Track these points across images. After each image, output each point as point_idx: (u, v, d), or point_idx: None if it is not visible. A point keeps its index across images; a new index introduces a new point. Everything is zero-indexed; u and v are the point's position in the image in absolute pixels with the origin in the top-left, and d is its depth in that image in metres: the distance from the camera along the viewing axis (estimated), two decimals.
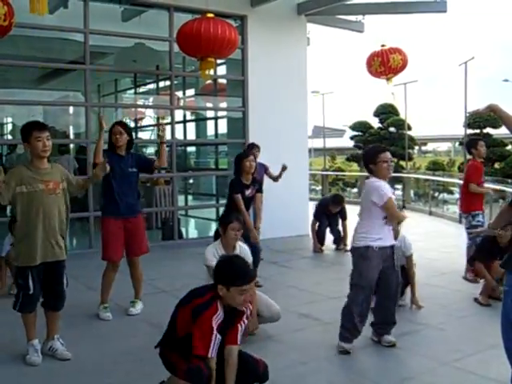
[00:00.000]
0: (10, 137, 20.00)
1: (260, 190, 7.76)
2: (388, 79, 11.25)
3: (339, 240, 10.63)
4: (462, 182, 9.41)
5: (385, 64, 10.91)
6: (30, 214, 4.91)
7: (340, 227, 10.68)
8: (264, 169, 9.55)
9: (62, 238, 5.07)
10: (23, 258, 4.98)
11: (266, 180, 9.51)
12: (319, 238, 10.69)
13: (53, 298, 5.11)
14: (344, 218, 10.58)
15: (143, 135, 18.01)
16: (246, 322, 3.98)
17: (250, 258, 5.43)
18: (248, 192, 7.54)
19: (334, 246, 10.65)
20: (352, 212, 12.11)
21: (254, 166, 7.53)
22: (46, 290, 5.07)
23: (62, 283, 5.07)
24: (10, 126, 19.46)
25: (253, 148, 9.30)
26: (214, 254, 5.47)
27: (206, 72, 9.71)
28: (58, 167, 5.20)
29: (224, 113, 13.63)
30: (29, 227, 4.93)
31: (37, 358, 4.97)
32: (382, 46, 11.07)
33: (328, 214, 10.64)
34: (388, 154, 5.36)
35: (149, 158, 6.87)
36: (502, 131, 37.53)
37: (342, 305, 5.44)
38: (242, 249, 5.72)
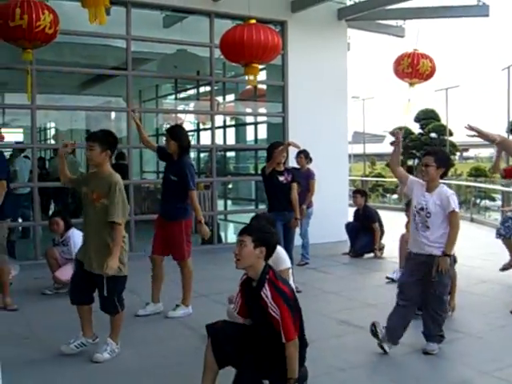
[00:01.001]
0: (53, 141, 20.35)
1: (294, 180, 7.97)
2: (411, 84, 11.12)
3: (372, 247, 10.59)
4: (504, 188, 9.41)
5: (413, 66, 10.80)
6: (83, 214, 5.28)
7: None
8: (307, 176, 9.52)
9: (98, 255, 5.06)
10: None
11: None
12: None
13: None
14: (371, 221, 10.62)
15: None
16: (273, 310, 3.84)
17: (284, 260, 5.44)
18: (282, 178, 7.81)
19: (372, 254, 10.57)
20: (392, 219, 12.10)
21: (283, 157, 7.81)
22: None
23: (102, 290, 5.11)
24: (52, 131, 19.81)
25: (300, 153, 9.46)
26: None
27: (251, 77, 9.75)
28: (110, 179, 5.11)
29: (264, 118, 13.67)
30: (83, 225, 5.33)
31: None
32: (415, 50, 10.99)
33: (361, 220, 10.73)
34: (424, 158, 5.40)
35: (186, 184, 6.52)
36: None
37: (381, 312, 5.43)
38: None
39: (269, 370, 3.88)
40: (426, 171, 5.30)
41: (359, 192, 11.24)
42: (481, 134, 3.76)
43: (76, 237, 7.16)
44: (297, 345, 3.86)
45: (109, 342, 5.23)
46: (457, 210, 5.21)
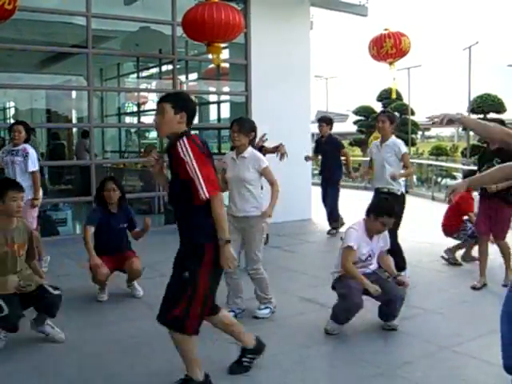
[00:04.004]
0: (12, 121, 20.03)
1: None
2: (391, 63, 11.11)
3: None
4: (464, 167, 9.50)
5: (397, 46, 10.74)
6: None
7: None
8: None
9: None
10: None
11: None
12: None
13: None
14: (339, 149, 10.72)
15: (146, 119, 18.02)
16: (191, 169, 3.72)
17: (263, 160, 5.72)
18: None
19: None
20: (352, 196, 12.15)
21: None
22: None
23: None
24: (12, 111, 19.49)
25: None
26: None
27: (215, 56, 9.68)
28: (24, 225, 5.00)
29: (227, 97, 13.61)
30: None
31: None
32: (385, 29, 10.96)
33: (324, 149, 10.67)
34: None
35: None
36: (506, 116, 37.43)
37: None
38: None
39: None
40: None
41: (324, 120, 10.61)
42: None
43: (31, 153, 7.16)
44: (222, 199, 3.78)
45: (47, 324, 5.10)
46: None
